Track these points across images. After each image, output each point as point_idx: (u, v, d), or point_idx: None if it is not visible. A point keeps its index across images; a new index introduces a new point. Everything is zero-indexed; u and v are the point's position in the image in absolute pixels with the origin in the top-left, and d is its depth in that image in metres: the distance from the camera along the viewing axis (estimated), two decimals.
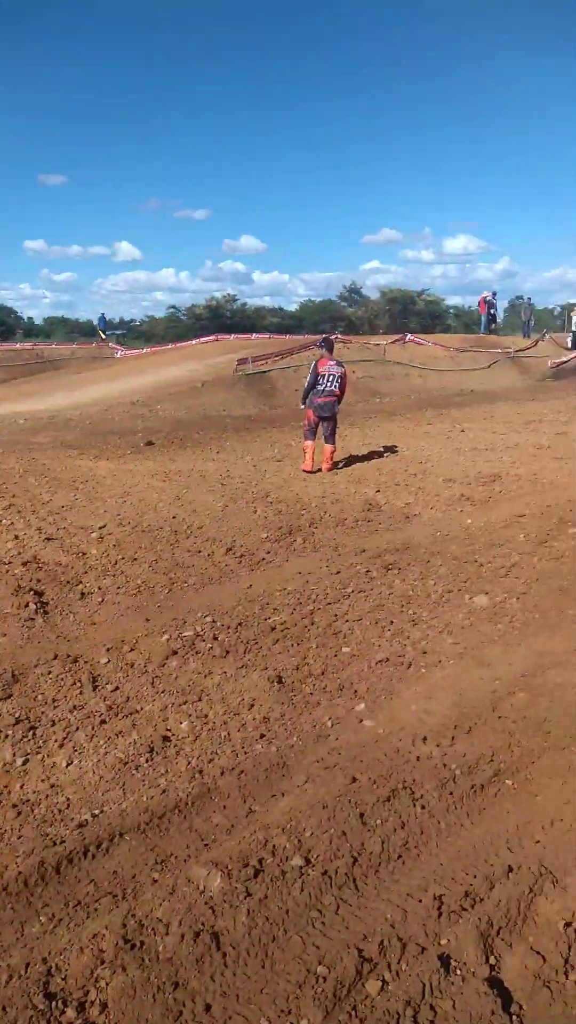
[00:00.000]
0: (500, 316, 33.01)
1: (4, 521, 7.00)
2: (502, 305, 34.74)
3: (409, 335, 26.09)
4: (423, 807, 2.89)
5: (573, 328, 28.09)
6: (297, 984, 2.09)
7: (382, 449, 10.79)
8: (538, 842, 2.66)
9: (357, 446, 11.07)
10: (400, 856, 2.63)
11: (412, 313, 39.44)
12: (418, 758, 3.24)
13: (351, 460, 10.12)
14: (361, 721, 3.61)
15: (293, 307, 52.13)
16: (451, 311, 44.21)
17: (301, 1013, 2.01)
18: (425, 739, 3.38)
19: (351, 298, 35.30)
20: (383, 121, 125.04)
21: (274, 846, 2.68)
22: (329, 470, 9.47)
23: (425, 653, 4.34)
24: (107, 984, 2.12)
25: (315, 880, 2.50)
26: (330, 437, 9.71)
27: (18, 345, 30.71)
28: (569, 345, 27.62)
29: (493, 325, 30.38)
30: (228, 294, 44.95)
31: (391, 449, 10.78)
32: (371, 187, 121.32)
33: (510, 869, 2.52)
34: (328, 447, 9.65)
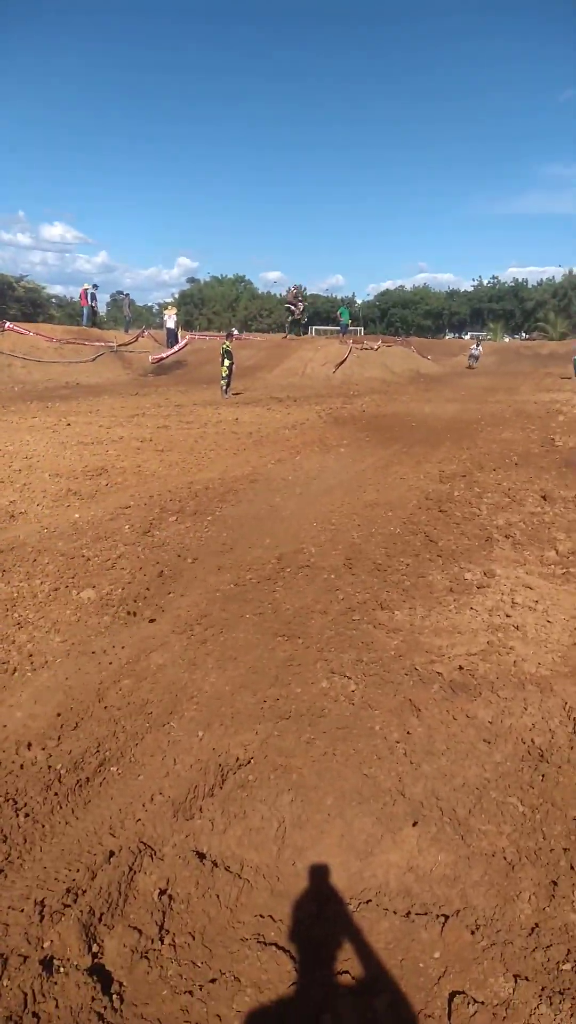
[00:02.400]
0: (103, 309, 33.20)
1: None
2: (104, 299, 34.94)
3: (9, 323, 24.68)
4: (27, 815, 2.84)
5: (168, 326, 29.68)
6: None
7: None
8: (139, 820, 2.83)
9: None
10: (2, 871, 2.55)
11: (11, 300, 37.32)
12: (22, 766, 3.16)
13: None
14: None
15: None
16: (54, 301, 43.02)
17: None
18: (30, 745, 3.31)
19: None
20: None
21: None
22: None
23: (31, 656, 4.23)
24: None
25: None
26: None
27: None
28: (167, 342, 29.19)
29: (96, 318, 30.46)
30: None
31: None
32: None
33: (111, 854, 2.63)
34: None
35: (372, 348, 30.34)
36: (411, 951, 2.23)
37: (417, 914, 2.36)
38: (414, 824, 2.75)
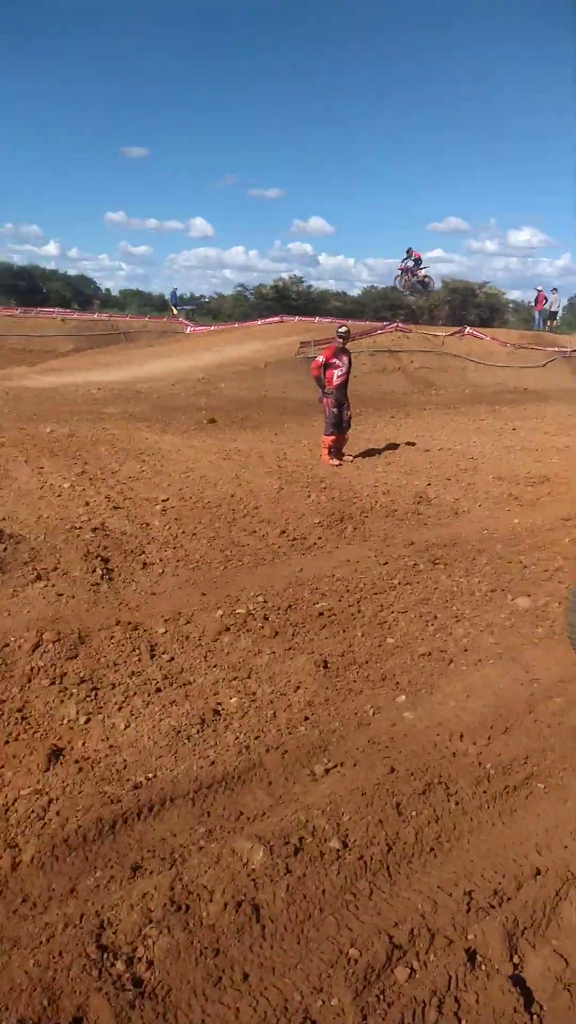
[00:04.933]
0: (560, 314, 31.95)
1: (76, 487, 7.20)
2: (562, 303, 33.51)
3: (468, 328, 25.60)
4: (457, 803, 3.02)
5: None
6: (329, 963, 2.23)
7: (435, 442, 10.76)
8: (566, 847, 2.77)
9: (411, 437, 11.06)
10: (432, 849, 2.76)
11: (472, 305, 38.44)
12: (454, 754, 3.36)
13: (404, 452, 10.13)
14: (401, 712, 3.74)
15: (356, 292, 51.24)
16: (511, 305, 43.01)
17: (332, 992, 2.15)
18: (462, 736, 3.50)
19: (413, 287, 34.40)
20: (457, 112, 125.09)
21: (314, 827, 2.84)
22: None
23: (466, 651, 4.44)
24: (154, 943, 2.28)
25: (351, 864, 2.65)
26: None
27: (96, 316, 30.12)
28: None
29: (552, 322, 29.57)
30: (294, 275, 43.87)
31: (444, 443, 10.75)
32: (440, 175, 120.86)
33: (537, 872, 2.63)
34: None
35: None
36: None
37: None
38: None
